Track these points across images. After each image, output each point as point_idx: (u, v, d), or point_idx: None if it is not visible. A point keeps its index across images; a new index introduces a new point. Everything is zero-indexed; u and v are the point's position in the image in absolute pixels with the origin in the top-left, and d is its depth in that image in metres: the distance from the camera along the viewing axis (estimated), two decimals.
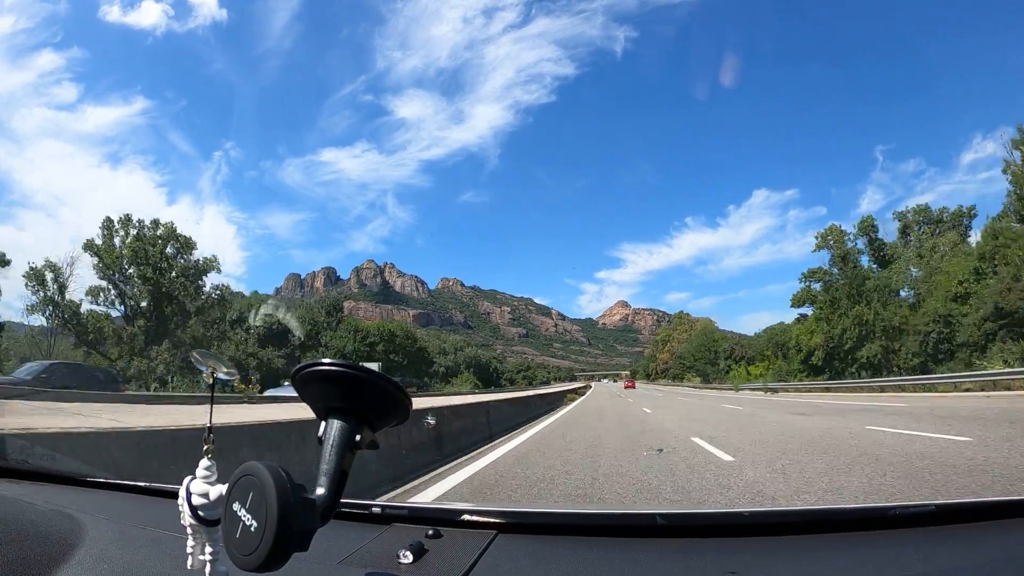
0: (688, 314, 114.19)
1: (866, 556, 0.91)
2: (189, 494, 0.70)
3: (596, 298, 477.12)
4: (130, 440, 2.80)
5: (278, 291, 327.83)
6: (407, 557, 0.92)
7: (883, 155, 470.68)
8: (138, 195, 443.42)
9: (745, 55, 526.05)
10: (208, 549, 0.70)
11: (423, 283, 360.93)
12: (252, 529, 0.57)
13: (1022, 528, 0.98)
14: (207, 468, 0.72)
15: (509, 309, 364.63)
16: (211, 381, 0.80)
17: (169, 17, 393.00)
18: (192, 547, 0.71)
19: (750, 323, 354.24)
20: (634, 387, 64.37)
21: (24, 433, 2.42)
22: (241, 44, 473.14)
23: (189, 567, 0.71)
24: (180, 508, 0.71)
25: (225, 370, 0.80)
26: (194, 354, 0.80)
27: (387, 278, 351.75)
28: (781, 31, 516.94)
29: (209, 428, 0.76)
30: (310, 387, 0.68)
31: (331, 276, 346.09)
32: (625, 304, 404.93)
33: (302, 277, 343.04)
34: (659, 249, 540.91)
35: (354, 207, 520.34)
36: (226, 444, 3.07)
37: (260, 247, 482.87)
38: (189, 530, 0.71)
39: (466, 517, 1.13)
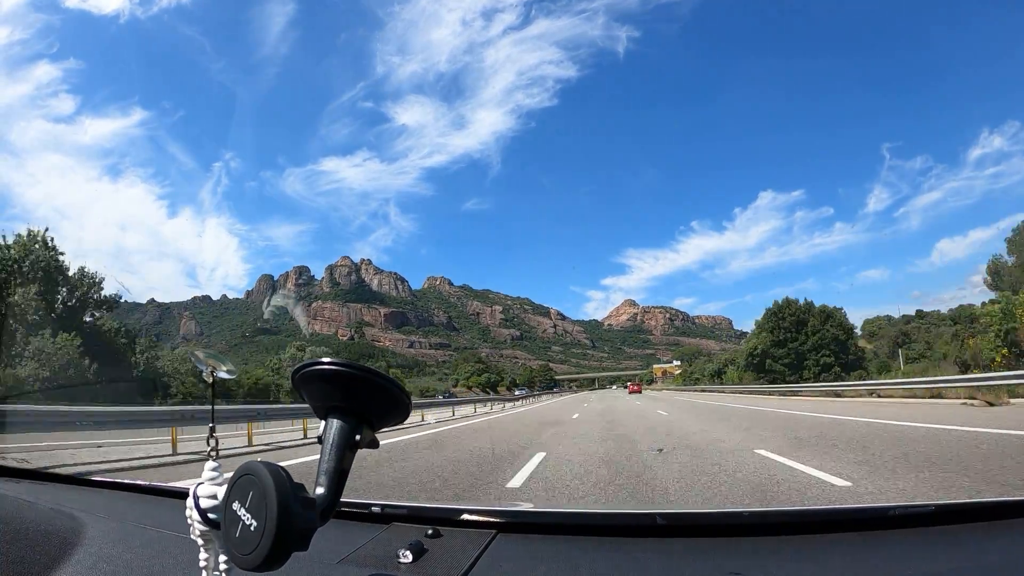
0: None
1: (866, 556, 0.99)
2: (197, 499, 0.71)
3: (602, 305, 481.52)
4: None
5: (249, 294, 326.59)
6: (407, 557, 0.99)
7: (890, 152, 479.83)
8: (139, 208, 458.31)
9: (750, 53, 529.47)
10: (223, 558, 0.71)
11: (404, 281, 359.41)
12: (252, 528, 0.61)
13: (1022, 528, 1.06)
14: (214, 469, 0.74)
15: (501, 309, 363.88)
16: (211, 380, 0.83)
17: (132, 3, 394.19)
18: (206, 559, 0.72)
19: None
20: (639, 391, 62.02)
21: None
22: (227, 39, 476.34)
23: None
24: (189, 517, 0.72)
25: (225, 368, 0.84)
26: (196, 352, 0.83)
27: (363, 276, 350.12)
28: (787, 28, 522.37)
29: (212, 428, 0.80)
30: (310, 386, 0.72)
31: (303, 275, 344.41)
32: (633, 303, 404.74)
33: (275, 279, 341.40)
34: (665, 254, 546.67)
35: (356, 217, 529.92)
36: None
37: (263, 259, 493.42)
38: (200, 540, 0.72)
39: (466, 517, 1.22)
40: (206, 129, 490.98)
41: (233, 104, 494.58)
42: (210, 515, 0.70)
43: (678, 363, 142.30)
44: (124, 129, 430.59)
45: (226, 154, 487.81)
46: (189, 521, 0.72)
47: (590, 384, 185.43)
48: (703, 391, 55.28)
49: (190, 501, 0.72)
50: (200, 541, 0.72)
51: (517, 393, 70.83)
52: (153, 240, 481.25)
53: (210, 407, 0.82)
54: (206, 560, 0.72)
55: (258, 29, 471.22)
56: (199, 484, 0.73)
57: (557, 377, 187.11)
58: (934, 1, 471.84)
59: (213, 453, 0.78)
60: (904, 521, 1.10)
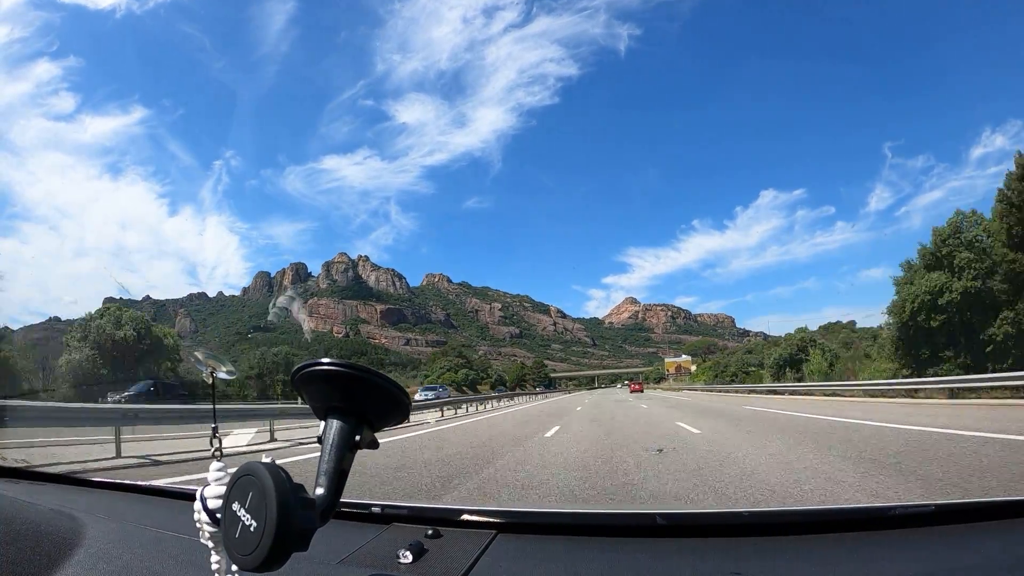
0: None
1: (866, 556, 1.00)
2: (205, 501, 0.71)
3: (603, 303, 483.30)
4: None
5: (246, 291, 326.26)
6: (407, 557, 1.01)
7: (891, 151, 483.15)
8: (140, 206, 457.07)
9: (751, 51, 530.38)
10: None
11: (401, 278, 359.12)
12: (252, 529, 0.61)
13: (1022, 528, 1.08)
14: (219, 470, 0.74)
15: (500, 306, 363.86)
16: (211, 381, 0.85)
17: None
18: (217, 561, 0.71)
19: (759, 326, 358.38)
20: (641, 390, 59.52)
21: None
22: (227, 37, 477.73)
23: None
24: (197, 521, 0.72)
25: (226, 369, 0.86)
26: (195, 353, 0.85)
27: (360, 273, 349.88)
28: (788, 25, 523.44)
29: (215, 428, 0.81)
30: (310, 387, 0.73)
31: (300, 272, 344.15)
32: (634, 301, 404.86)
33: (272, 276, 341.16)
34: (666, 253, 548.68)
35: (357, 215, 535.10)
36: None
37: (263, 257, 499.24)
38: (211, 543, 0.71)
39: (466, 517, 1.24)
40: (206, 127, 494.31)
41: (233, 102, 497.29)
42: (218, 516, 0.70)
43: (688, 358, 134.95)
44: (124, 127, 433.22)
45: (226, 152, 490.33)
46: (198, 524, 0.72)
47: (589, 383, 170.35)
48: (772, 393, 29.69)
49: (198, 504, 0.72)
50: (211, 544, 0.72)
51: (419, 397, 33.54)
52: (154, 238, 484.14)
53: (212, 407, 0.83)
54: (218, 563, 0.71)
55: (258, 27, 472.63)
56: (206, 486, 0.73)
57: (554, 375, 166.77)
58: (936, 1, 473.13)
59: (217, 453, 0.78)
60: (904, 521, 1.11)
